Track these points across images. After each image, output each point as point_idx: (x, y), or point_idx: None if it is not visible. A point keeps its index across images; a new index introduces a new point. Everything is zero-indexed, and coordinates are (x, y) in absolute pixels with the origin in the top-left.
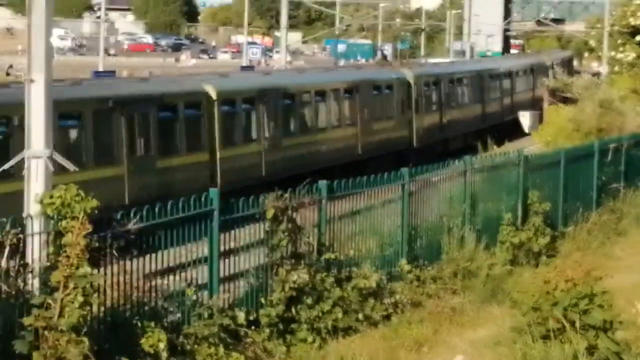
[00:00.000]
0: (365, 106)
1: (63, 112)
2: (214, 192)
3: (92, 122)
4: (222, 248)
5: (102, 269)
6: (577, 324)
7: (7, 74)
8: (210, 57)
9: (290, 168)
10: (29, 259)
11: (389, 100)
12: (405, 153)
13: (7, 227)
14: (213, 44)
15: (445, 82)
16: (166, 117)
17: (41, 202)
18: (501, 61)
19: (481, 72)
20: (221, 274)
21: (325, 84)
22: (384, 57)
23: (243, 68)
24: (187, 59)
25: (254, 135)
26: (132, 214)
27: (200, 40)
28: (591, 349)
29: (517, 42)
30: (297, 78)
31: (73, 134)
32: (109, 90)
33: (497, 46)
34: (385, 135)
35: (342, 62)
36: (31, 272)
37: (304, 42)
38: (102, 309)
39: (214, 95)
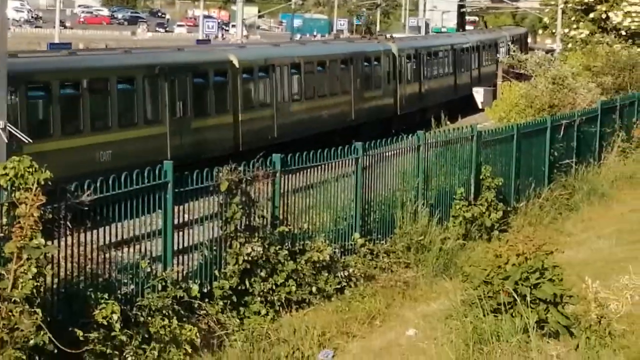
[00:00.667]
0: (358, 76)
1: (120, 77)
2: (168, 165)
3: (142, 86)
4: (176, 221)
5: (55, 241)
6: (528, 298)
7: None
8: (166, 31)
9: (297, 131)
10: None
11: (377, 71)
12: (390, 120)
13: None
14: (167, 17)
15: (424, 55)
16: (199, 83)
17: None
18: (470, 36)
19: (454, 46)
20: (175, 247)
21: (325, 55)
22: (369, 30)
23: (199, 42)
24: (143, 32)
25: (267, 100)
26: (85, 186)
27: (161, 13)
28: (541, 323)
29: (472, 18)
30: (302, 49)
31: (128, 96)
32: (155, 59)
33: (452, 22)
34: (374, 103)
35: (298, 37)
36: None
37: (260, 16)
38: (56, 280)
39: (237, 64)
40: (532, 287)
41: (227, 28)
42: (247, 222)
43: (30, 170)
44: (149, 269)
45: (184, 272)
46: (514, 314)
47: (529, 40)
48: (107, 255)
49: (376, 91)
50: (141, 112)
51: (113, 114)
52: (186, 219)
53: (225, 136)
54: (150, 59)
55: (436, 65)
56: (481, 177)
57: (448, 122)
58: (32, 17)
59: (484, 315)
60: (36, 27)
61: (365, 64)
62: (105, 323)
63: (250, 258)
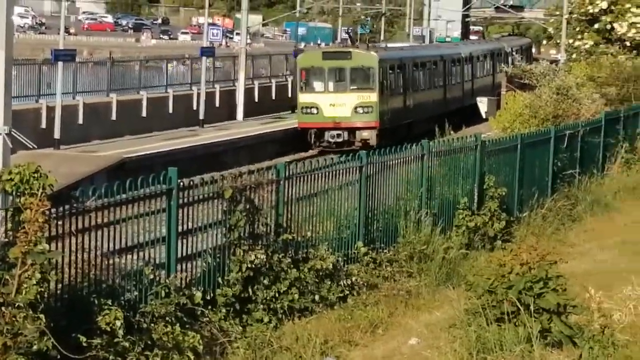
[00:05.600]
0: (499, 64)
1: (389, 66)
2: (172, 171)
3: (443, 66)
4: (180, 227)
5: (60, 246)
6: (532, 307)
7: None
8: (170, 38)
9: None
10: None
11: (499, 60)
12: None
13: None
14: (159, 21)
15: (514, 50)
16: (451, 66)
17: (0, 178)
18: (504, 41)
19: (494, 51)
20: (179, 253)
21: (486, 50)
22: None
23: (203, 49)
24: (147, 39)
25: (469, 77)
26: (90, 192)
27: (162, 20)
28: (544, 332)
29: (476, 28)
30: (479, 47)
31: (437, 71)
32: (440, 51)
33: (457, 32)
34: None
35: (302, 45)
36: None
37: (265, 24)
38: (60, 286)
39: (463, 55)
40: (535, 296)
41: (231, 36)
42: (251, 230)
43: (36, 175)
44: (152, 276)
45: (187, 279)
46: (517, 324)
47: (534, 50)
48: (111, 262)
49: (493, 76)
50: (432, 80)
51: (437, 80)
52: (190, 226)
53: (460, 94)
54: (440, 51)
55: (518, 57)
56: (485, 187)
57: (452, 132)
58: (36, 23)
59: (488, 325)
60: (40, 33)
61: (498, 56)
62: (109, 329)
63: (253, 266)
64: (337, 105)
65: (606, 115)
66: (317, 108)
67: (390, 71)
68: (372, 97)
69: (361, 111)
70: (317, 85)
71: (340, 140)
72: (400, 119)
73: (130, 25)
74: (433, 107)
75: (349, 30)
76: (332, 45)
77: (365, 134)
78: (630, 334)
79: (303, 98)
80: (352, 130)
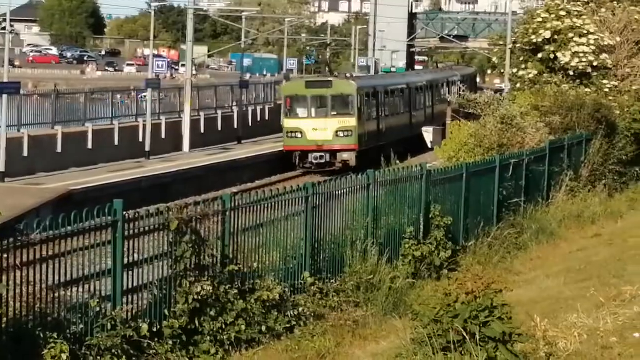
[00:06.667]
0: (450, 91)
1: (412, 87)
2: (117, 204)
3: (419, 91)
4: (126, 259)
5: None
6: (477, 336)
7: None
8: (116, 70)
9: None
10: None
11: (452, 87)
12: None
13: None
14: (102, 53)
15: (462, 80)
16: (440, 90)
17: None
18: (456, 70)
19: (448, 79)
20: (125, 286)
21: (434, 79)
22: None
23: (148, 81)
24: (92, 72)
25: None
26: (35, 225)
27: (111, 52)
28: None
29: (421, 58)
30: (428, 76)
31: (409, 96)
32: (422, 77)
33: (402, 62)
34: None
35: (248, 76)
36: None
37: (210, 55)
38: (5, 319)
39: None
40: (481, 325)
41: (176, 67)
42: (197, 261)
43: None
44: (98, 308)
45: (134, 311)
46: (463, 352)
47: (478, 80)
48: (57, 295)
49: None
50: (400, 106)
51: (404, 106)
52: (136, 258)
53: (423, 119)
54: (406, 79)
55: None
56: (430, 216)
57: (398, 162)
58: None
59: (434, 354)
60: None
61: (452, 84)
62: None
63: (200, 297)
64: (319, 129)
65: (550, 144)
66: (301, 132)
67: (367, 98)
68: (352, 121)
69: (342, 135)
70: (301, 111)
71: (322, 161)
72: (375, 141)
73: (75, 57)
74: (401, 131)
75: (328, 60)
76: (277, 75)
77: (345, 155)
78: None
79: (288, 123)
80: (333, 153)
